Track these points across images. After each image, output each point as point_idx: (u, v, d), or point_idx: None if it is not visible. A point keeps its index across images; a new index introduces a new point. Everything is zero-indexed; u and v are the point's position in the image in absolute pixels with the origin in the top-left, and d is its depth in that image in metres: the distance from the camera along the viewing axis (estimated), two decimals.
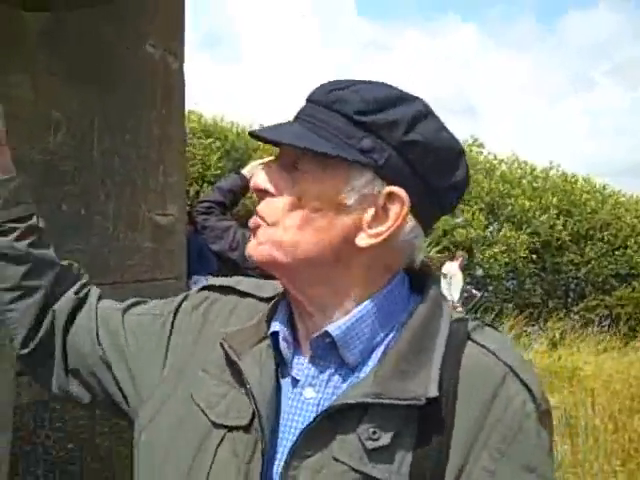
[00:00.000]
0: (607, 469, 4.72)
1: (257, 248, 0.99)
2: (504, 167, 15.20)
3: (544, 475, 0.90)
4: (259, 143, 11.24)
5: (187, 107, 5.48)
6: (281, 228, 0.96)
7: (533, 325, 10.99)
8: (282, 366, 1.00)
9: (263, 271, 1.01)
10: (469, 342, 0.96)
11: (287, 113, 1.04)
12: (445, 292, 11.30)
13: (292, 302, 1.03)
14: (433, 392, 0.89)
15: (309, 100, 0.98)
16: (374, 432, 0.89)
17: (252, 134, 0.99)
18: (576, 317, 13.38)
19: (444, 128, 1.01)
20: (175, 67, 5.63)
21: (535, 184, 14.65)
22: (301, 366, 0.99)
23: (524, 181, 14.67)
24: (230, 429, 0.97)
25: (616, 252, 13.98)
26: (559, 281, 14.03)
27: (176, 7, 5.56)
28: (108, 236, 5.22)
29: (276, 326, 1.01)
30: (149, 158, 5.40)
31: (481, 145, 15.64)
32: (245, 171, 3.64)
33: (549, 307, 13.87)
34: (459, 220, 13.08)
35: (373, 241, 0.96)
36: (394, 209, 0.96)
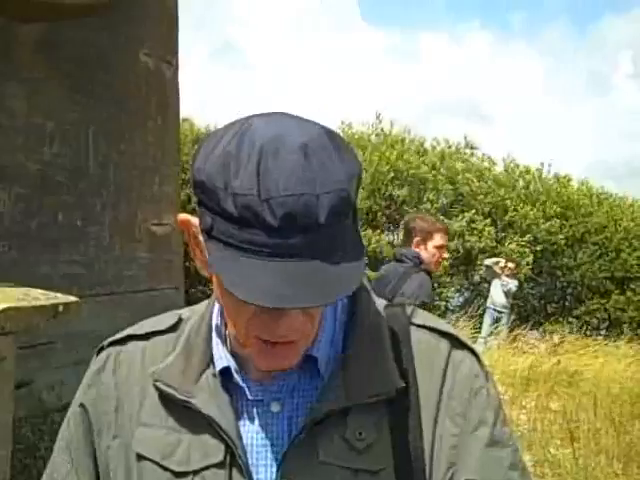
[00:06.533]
0: (609, 473, 4.71)
1: (296, 358, 0.93)
2: (497, 170, 14.88)
3: (496, 426, 0.97)
4: None
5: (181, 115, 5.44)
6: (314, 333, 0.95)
7: (531, 329, 10.97)
8: (234, 392, 0.97)
9: None
10: (412, 327, 1.01)
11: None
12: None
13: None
14: (400, 382, 0.94)
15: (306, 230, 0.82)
16: (360, 433, 0.93)
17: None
18: (574, 321, 13.38)
19: None
20: (169, 75, 5.62)
21: (530, 187, 14.41)
22: (258, 387, 0.97)
23: (518, 184, 14.42)
24: (196, 472, 0.94)
25: (610, 254, 13.88)
26: (556, 285, 13.99)
27: (168, 15, 5.57)
28: (104, 246, 5.21)
29: (224, 361, 0.98)
30: (145, 167, 5.38)
31: (473, 147, 15.10)
32: None
33: (547, 311, 13.85)
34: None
35: None
36: None
